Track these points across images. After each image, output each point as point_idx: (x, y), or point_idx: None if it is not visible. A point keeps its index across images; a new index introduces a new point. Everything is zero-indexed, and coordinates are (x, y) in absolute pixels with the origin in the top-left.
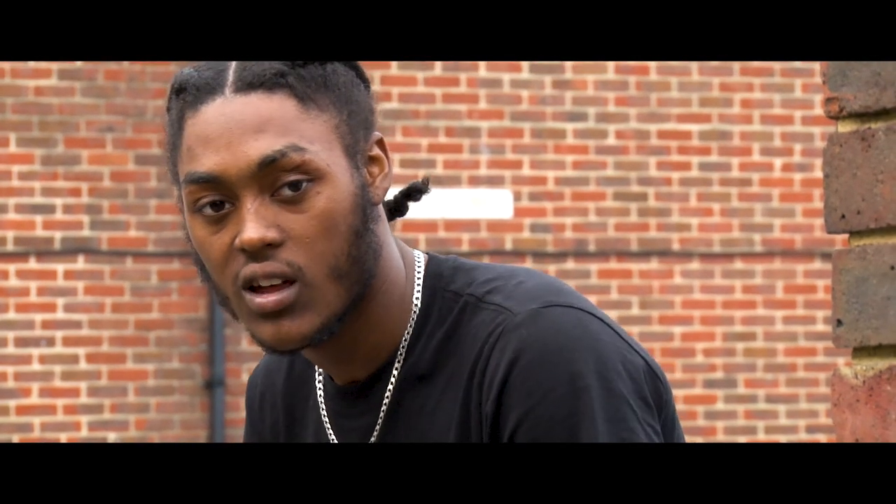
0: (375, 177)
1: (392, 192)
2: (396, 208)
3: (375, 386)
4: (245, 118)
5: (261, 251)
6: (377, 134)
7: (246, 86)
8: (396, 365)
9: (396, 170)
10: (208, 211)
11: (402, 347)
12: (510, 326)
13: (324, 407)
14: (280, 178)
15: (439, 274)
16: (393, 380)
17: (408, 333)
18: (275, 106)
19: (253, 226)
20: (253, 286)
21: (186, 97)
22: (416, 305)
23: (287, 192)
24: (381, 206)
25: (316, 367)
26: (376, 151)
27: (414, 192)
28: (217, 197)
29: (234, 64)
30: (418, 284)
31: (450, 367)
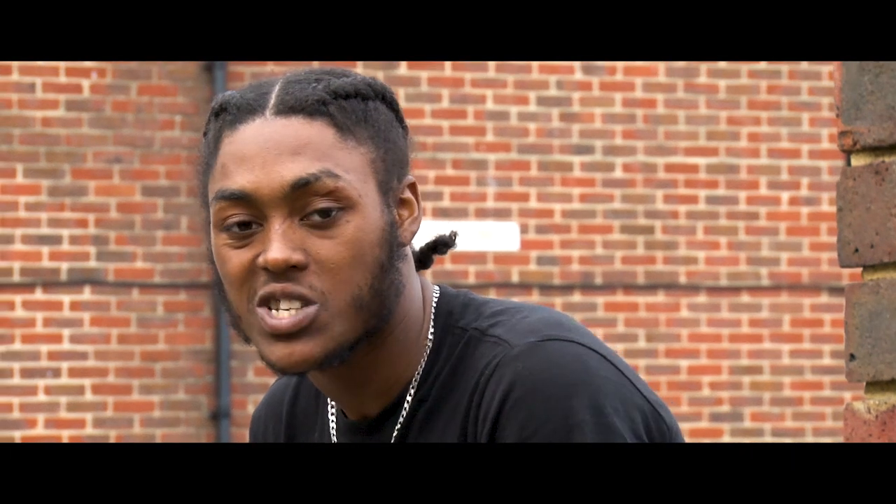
0: (404, 219)
1: (418, 244)
2: (421, 260)
3: (387, 422)
4: (283, 140)
5: (284, 273)
6: (410, 178)
7: (287, 109)
8: (407, 400)
9: None
10: (235, 230)
11: (414, 384)
12: (506, 359)
13: (335, 441)
14: (311, 202)
15: (450, 311)
16: (403, 416)
17: (419, 371)
18: (314, 132)
19: (279, 246)
20: (269, 305)
21: (226, 117)
22: (430, 343)
23: (316, 217)
24: (408, 248)
25: (329, 402)
26: (408, 195)
27: (441, 245)
28: (245, 216)
29: (277, 87)
30: (432, 322)
31: (453, 400)
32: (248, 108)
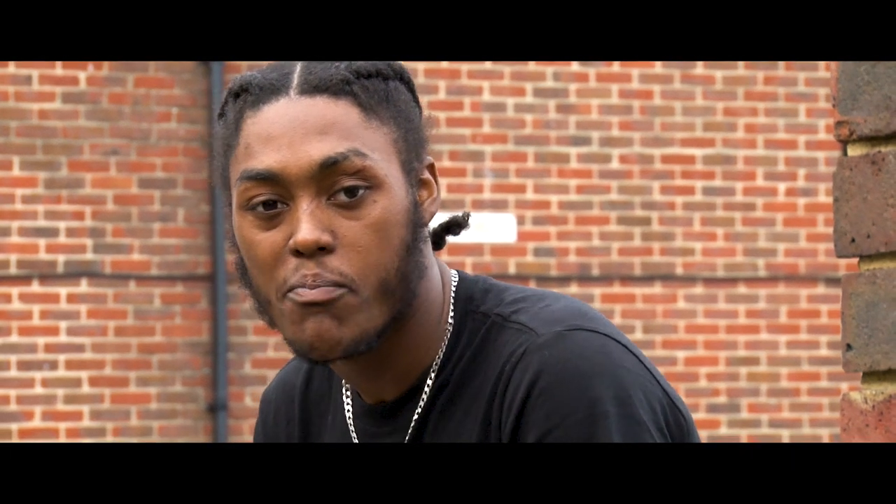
0: (424, 200)
1: (431, 225)
2: (435, 241)
3: (405, 406)
4: (309, 119)
5: (313, 254)
6: (429, 158)
7: (312, 88)
8: (427, 384)
9: None
10: (260, 210)
11: (434, 369)
12: (533, 347)
13: (353, 426)
14: (339, 181)
15: (470, 296)
16: (423, 401)
17: (439, 356)
18: (339, 111)
19: (308, 227)
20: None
21: (248, 97)
22: (450, 328)
23: (343, 196)
24: (427, 229)
25: (343, 386)
26: (427, 175)
27: (454, 226)
28: (272, 196)
29: (298, 67)
30: (452, 307)
31: (474, 386)
32: (271, 88)
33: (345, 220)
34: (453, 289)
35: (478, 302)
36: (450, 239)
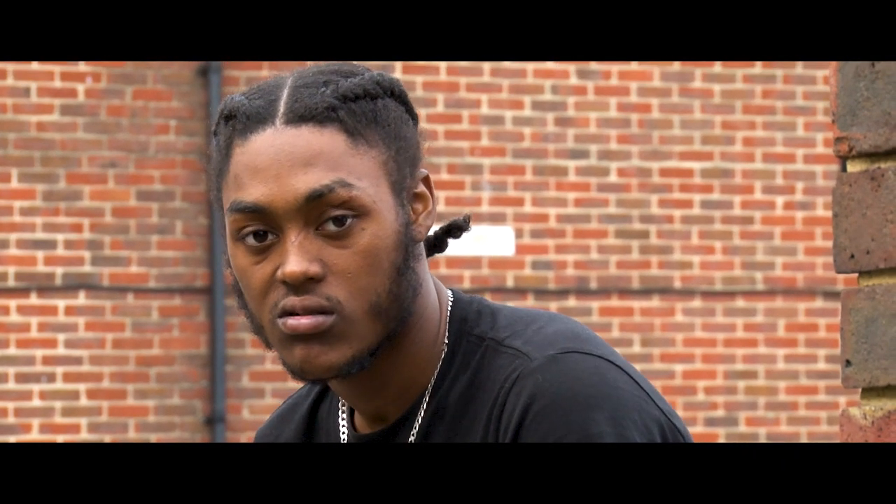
0: (419, 214)
1: (433, 228)
2: (436, 244)
3: (398, 433)
4: (295, 151)
5: (302, 284)
6: (423, 171)
7: (297, 118)
8: (422, 408)
9: None
10: (251, 241)
11: (429, 390)
12: (526, 372)
13: None
14: (326, 212)
15: (464, 317)
16: (416, 427)
17: (434, 375)
18: (325, 140)
19: (296, 259)
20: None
21: (236, 125)
22: (445, 347)
23: (331, 226)
24: (421, 246)
25: (340, 414)
26: (421, 188)
27: (455, 229)
28: (261, 227)
29: (286, 93)
30: (447, 326)
31: (471, 412)
32: (257, 118)
33: (334, 248)
34: (449, 308)
35: (472, 324)
36: (450, 249)
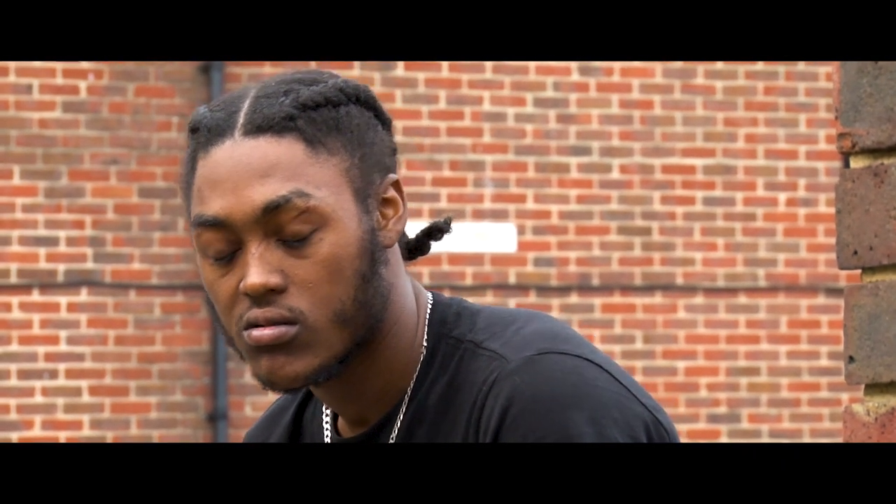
0: (389, 219)
1: (414, 230)
2: (418, 247)
3: (380, 433)
4: (252, 162)
5: (264, 296)
6: (393, 176)
7: (255, 129)
8: (402, 409)
9: None
10: (214, 255)
11: (408, 393)
12: (503, 374)
13: None
14: (284, 223)
15: (443, 320)
16: (398, 425)
17: (413, 378)
18: (282, 150)
19: (256, 271)
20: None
21: (199, 138)
22: (424, 350)
23: (291, 237)
24: (395, 248)
25: (324, 417)
26: (391, 193)
27: (435, 231)
28: (223, 240)
29: (246, 104)
30: (426, 329)
31: (451, 415)
32: (218, 130)
33: (295, 259)
34: (428, 311)
35: (450, 326)
36: (452, 246)
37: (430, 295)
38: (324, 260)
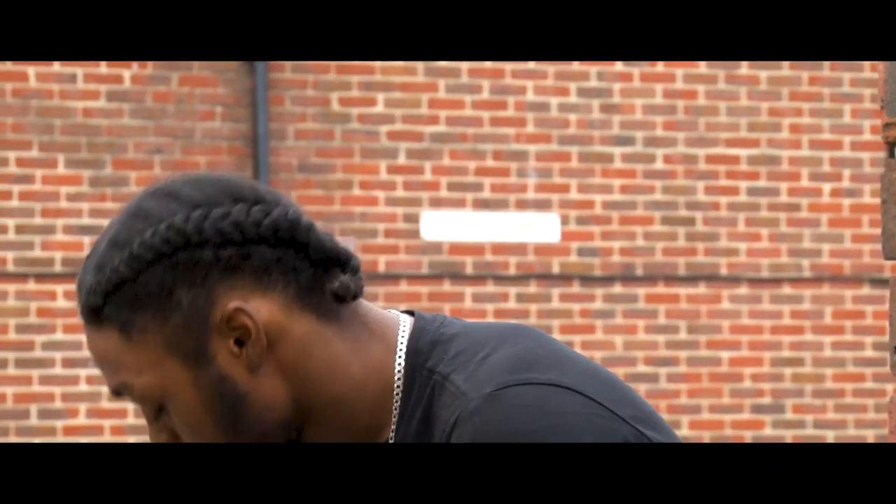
0: (244, 349)
1: (337, 281)
2: (340, 296)
3: None
4: (94, 351)
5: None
6: (230, 307)
7: (84, 319)
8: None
9: (444, 193)
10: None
11: (392, 429)
12: (465, 415)
13: None
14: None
15: (418, 350)
16: None
17: (395, 417)
18: (103, 342)
19: (150, 433)
20: None
21: None
22: (399, 388)
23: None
24: (291, 329)
25: None
26: (237, 322)
27: (341, 290)
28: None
29: (80, 275)
30: (399, 363)
31: None
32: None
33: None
34: (403, 343)
35: (424, 356)
36: (496, 236)
37: (407, 322)
38: (183, 426)
